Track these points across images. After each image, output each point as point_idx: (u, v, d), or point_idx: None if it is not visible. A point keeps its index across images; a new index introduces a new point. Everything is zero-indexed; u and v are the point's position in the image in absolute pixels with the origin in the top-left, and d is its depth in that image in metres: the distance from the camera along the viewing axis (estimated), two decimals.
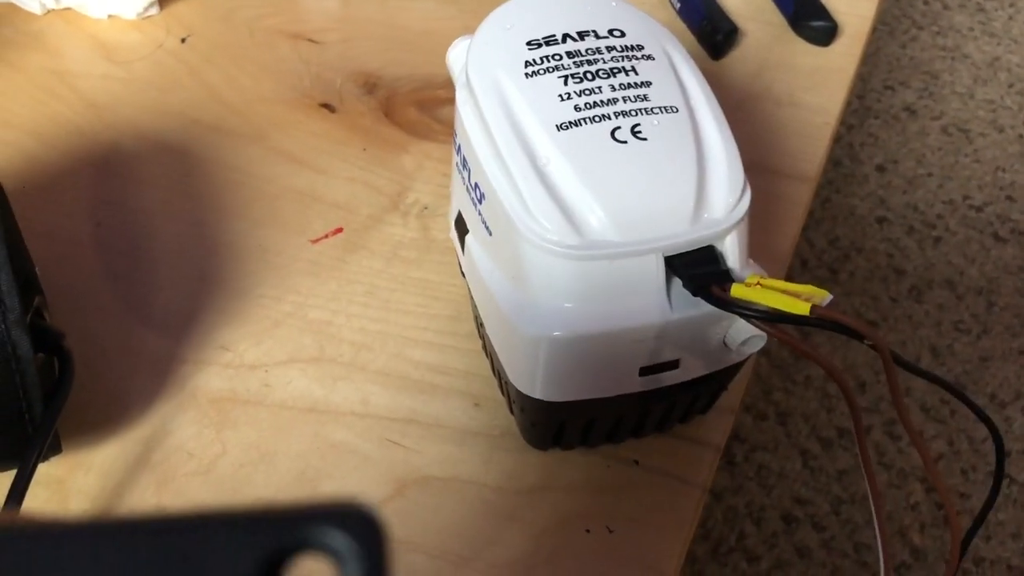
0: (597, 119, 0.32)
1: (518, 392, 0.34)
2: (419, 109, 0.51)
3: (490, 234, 0.34)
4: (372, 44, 0.54)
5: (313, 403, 0.39)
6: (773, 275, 0.45)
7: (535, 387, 0.33)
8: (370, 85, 0.52)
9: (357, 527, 0.10)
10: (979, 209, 1.20)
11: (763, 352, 0.97)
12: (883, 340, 0.31)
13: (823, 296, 0.30)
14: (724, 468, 0.92)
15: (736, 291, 0.30)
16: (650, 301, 0.32)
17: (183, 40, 0.54)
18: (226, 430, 0.38)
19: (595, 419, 0.36)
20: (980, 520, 0.41)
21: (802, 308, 0.29)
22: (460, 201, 0.37)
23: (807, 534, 0.84)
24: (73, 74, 0.52)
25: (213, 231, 0.46)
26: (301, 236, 0.46)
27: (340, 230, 0.46)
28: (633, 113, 0.32)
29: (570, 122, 0.32)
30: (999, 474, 0.40)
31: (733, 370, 0.36)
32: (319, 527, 0.10)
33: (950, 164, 1.26)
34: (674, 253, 0.32)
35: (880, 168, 1.25)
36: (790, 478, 0.90)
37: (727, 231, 0.32)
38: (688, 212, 0.31)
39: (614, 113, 0.32)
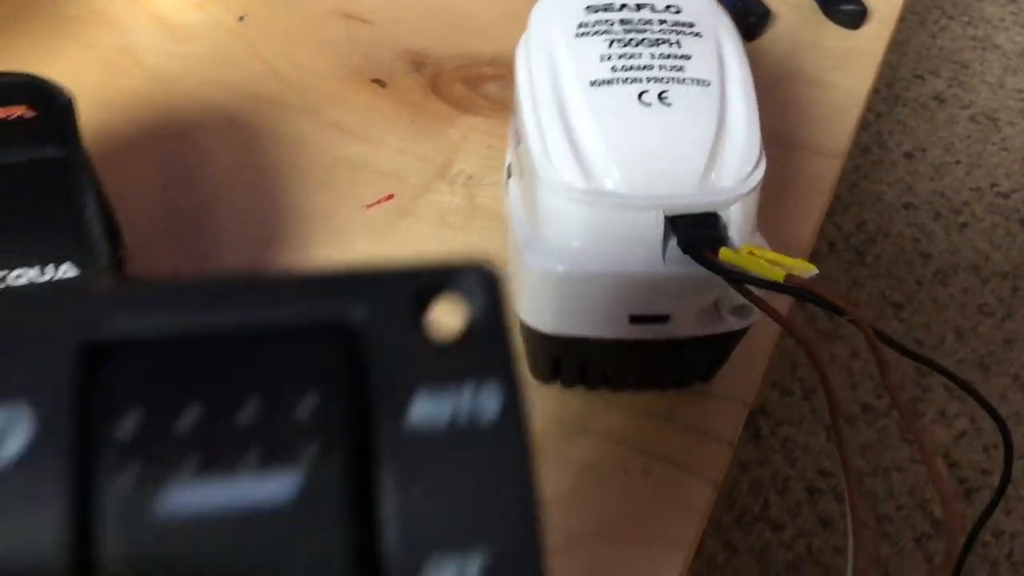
0: (629, 81, 0.35)
1: (522, 323, 0.37)
2: (465, 85, 0.54)
3: (520, 176, 0.37)
4: (420, 24, 0.57)
5: None
6: (799, 249, 0.48)
7: (536, 319, 0.36)
8: (418, 63, 0.55)
9: (484, 275, 0.14)
10: (1006, 196, 1.21)
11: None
12: (861, 315, 0.33)
13: (808, 269, 0.32)
14: (750, 441, 0.95)
15: (724, 255, 0.33)
16: (646, 253, 0.34)
17: (241, 19, 0.57)
18: None
19: (589, 359, 0.38)
20: (984, 517, 0.43)
21: (777, 275, 0.32)
22: (510, 148, 0.41)
23: (829, 504, 0.87)
24: (138, 50, 0.55)
25: (273, 197, 0.49)
26: (356, 202, 0.49)
27: (391, 197, 0.49)
28: (665, 80, 0.35)
29: (603, 80, 0.35)
30: (1008, 458, 0.41)
31: (729, 340, 0.39)
32: (455, 273, 0.13)
33: (978, 152, 1.27)
34: (676, 213, 0.34)
35: (908, 155, 1.26)
36: (814, 451, 0.92)
37: (732, 201, 0.34)
38: (696, 177, 0.34)
39: (647, 78, 0.35)
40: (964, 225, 1.17)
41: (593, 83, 0.35)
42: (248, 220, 0.47)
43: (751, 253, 0.33)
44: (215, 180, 0.49)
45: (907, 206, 1.19)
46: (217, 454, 0.12)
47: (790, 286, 0.32)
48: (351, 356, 0.13)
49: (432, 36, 0.57)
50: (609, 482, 0.39)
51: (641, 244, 0.34)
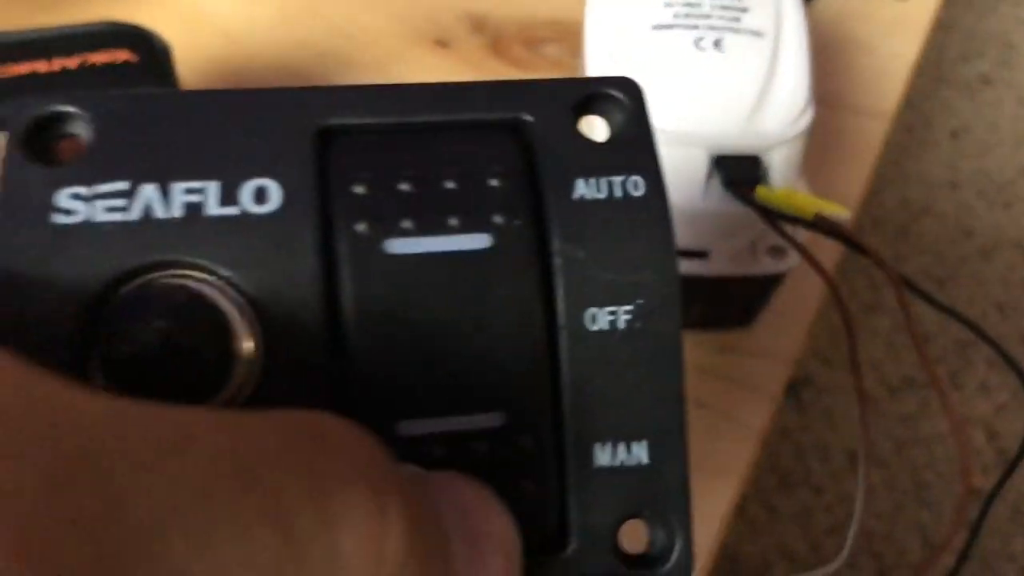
0: (688, 27, 0.37)
1: None
2: (524, 46, 0.56)
3: None
4: None
5: None
6: (847, 207, 0.49)
7: None
8: (479, 24, 0.57)
9: (632, 85, 0.17)
10: None
11: (841, 319, 0.99)
12: (893, 267, 0.34)
13: (840, 211, 0.34)
14: (792, 409, 0.96)
15: (760, 192, 0.35)
16: (689, 188, 0.37)
17: None
18: None
19: None
20: (1004, 478, 0.44)
21: (808, 213, 0.34)
22: None
23: (871, 471, 0.87)
24: (210, 9, 0.58)
25: None
26: None
27: None
28: (721, 29, 0.37)
29: (664, 25, 0.37)
30: None
31: (766, 285, 0.40)
32: (608, 83, 0.17)
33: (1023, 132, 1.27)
34: (721, 154, 0.36)
35: (953, 135, 1.27)
36: (855, 420, 0.94)
37: (776, 145, 0.36)
38: (742, 120, 0.36)
39: (705, 26, 0.37)
40: (1008, 204, 1.18)
41: (655, 27, 0.36)
42: None
43: (788, 194, 0.35)
44: None
45: (951, 184, 1.19)
46: (427, 214, 0.14)
47: (820, 224, 0.34)
48: (525, 148, 0.16)
49: None
50: None
51: (685, 180, 0.36)
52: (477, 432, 0.14)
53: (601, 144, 0.16)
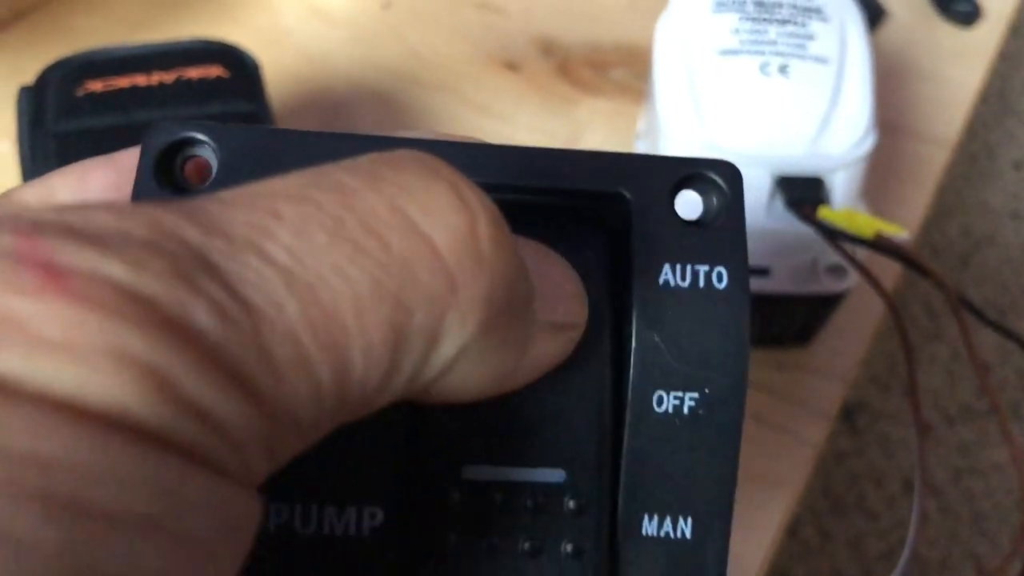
0: (754, 53, 0.38)
1: None
2: (591, 69, 0.58)
3: (646, 135, 0.41)
4: (549, 12, 0.61)
5: None
6: (908, 230, 0.50)
7: None
8: (547, 48, 0.59)
9: (731, 169, 0.17)
10: None
11: (892, 331, 0.99)
12: (947, 280, 0.36)
13: (899, 232, 0.35)
14: (847, 433, 0.96)
15: (822, 212, 0.36)
16: (752, 207, 0.38)
17: (386, 6, 0.62)
18: None
19: None
20: None
21: (867, 233, 0.35)
22: (641, 116, 0.44)
23: (925, 498, 0.87)
24: (291, 31, 0.60)
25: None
26: None
27: None
28: (786, 55, 0.38)
29: (731, 50, 0.38)
30: None
31: (826, 304, 0.41)
32: (708, 165, 0.17)
33: None
34: (784, 175, 0.37)
35: (1017, 166, 1.26)
36: (911, 447, 0.93)
37: (838, 168, 0.37)
38: (805, 143, 0.37)
39: (771, 52, 0.38)
40: None
41: (722, 52, 0.38)
42: None
43: (849, 214, 0.36)
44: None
45: (1014, 216, 1.19)
46: None
47: (880, 244, 0.35)
48: (623, 219, 0.16)
49: (560, 24, 0.60)
50: None
51: (749, 199, 0.37)
52: (538, 484, 0.15)
53: (693, 227, 0.16)
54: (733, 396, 0.16)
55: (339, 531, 0.15)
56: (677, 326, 0.16)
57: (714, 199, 0.17)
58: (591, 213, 0.17)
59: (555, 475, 0.15)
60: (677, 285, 0.16)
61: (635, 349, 0.16)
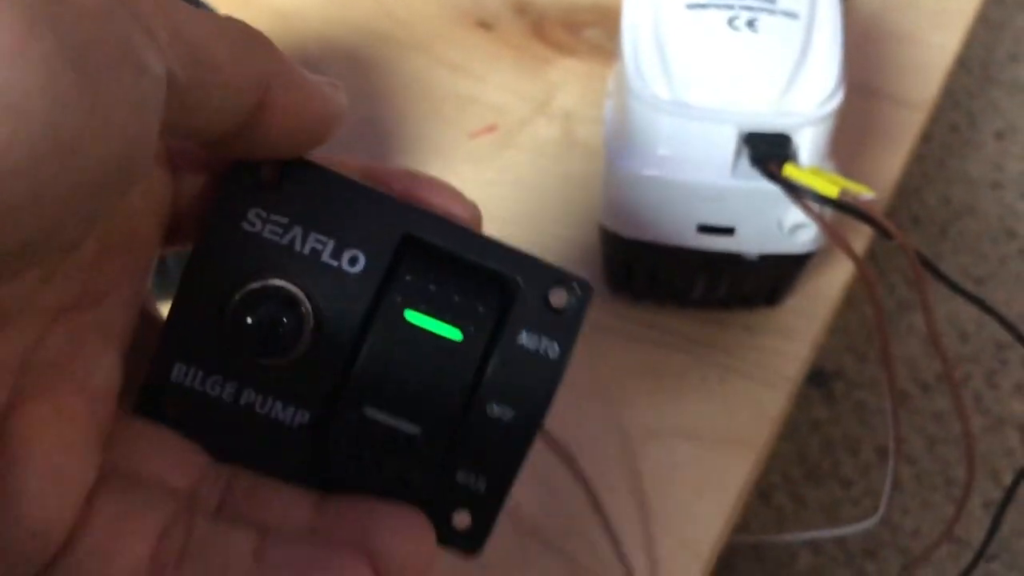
0: (723, 7, 0.38)
1: (601, 228, 0.41)
2: (565, 30, 0.57)
3: (616, 93, 0.41)
4: None
5: None
6: (883, 193, 0.50)
7: (617, 223, 0.40)
8: (521, 8, 0.58)
9: (587, 288, 0.24)
10: None
11: (868, 299, 0.99)
12: (908, 241, 0.35)
13: (865, 192, 0.35)
14: (822, 401, 0.97)
15: (787, 170, 0.36)
16: (718, 164, 0.38)
17: None
18: None
19: (659, 267, 0.42)
20: None
21: (832, 191, 0.35)
22: (611, 74, 0.45)
23: (900, 467, 0.88)
24: None
25: (386, 124, 0.53)
26: (461, 131, 0.52)
27: (494, 128, 0.52)
28: (756, 9, 0.38)
29: (699, 4, 0.38)
30: None
31: (793, 264, 0.41)
32: (574, 279, 0.24)
33: None
34: (751, 131, 0.37)
35: (999, 135, 1.26)
36: (887, 415, 0.94)
37: (805, 124, 0.37)
38: (773, 99, 0.37)
39: (740, 6, 0.38)
40: None
41: (690, 6, 0.38)
42: (361, 145, 0.51)
43: (814, 172, 0.36)
44: None
45: (994, 185, 1.19)
46: (436, 308, 0.23)
47: (844, 202, 0.35)
48: (510, 294, 0.24)
49: None
50: (688, 387, 0.42)
51: (715, 156, 0.37)
52: (402, 431, 0.23)
53: (552, 311, 0.24)
54: (535, 417, 0.24)
55: (279, 417, 0.23)
56: (516, 371, 0.23)
57: (572, 299, 0.24)
58: (497, 280, 0.24)
59: (413, 428, 0.23)
60: (525, 346, 0.23)
61: (486, 379, 0.23)
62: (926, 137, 0.54)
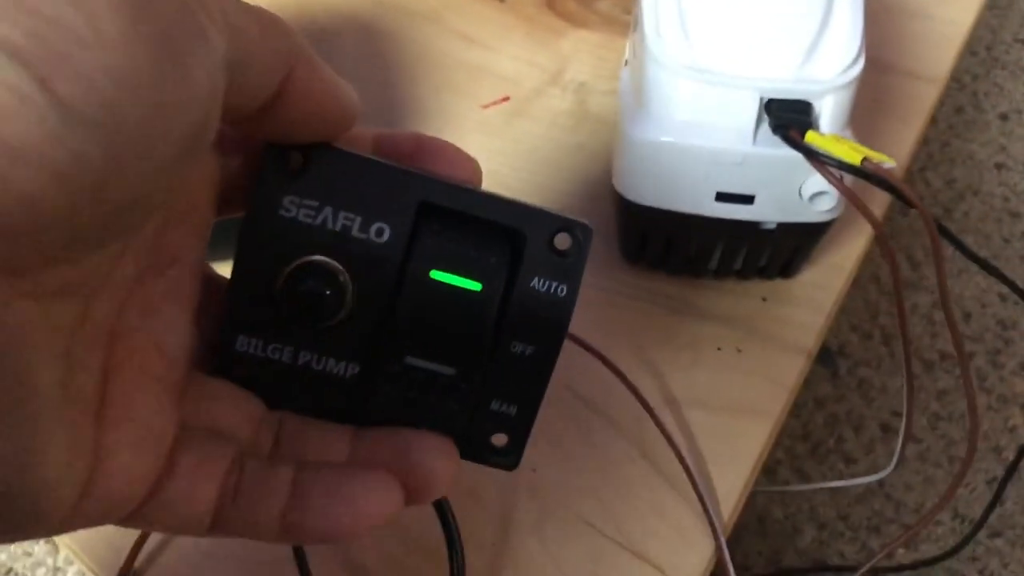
0: None
1: (617, 196, 0.41)
2: (577, 1, 0.57)
3: (633, 58, 0.41)
4: None
5: None
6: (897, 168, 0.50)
7: (632, 190, 0.40)
8: None
9: (588, 230, 0.26)
10: None
11: (873, 278, 0.99)
12: (927, 211, 0.35)
13: (887, 161, 0.35)
14: (827, 379, 0.97)
15: (809, 137, 0.36)
16: (738, 131, 0.37)
17: None
18: None
19: (675, 237, 0.41)
20: None
21: (855, 158, 0.34)
22: (628, 41, 0.44)
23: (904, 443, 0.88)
24: None
25: (398, 93, 0.52)
26: (473, 101, 0.52)
27: (507, 99, 0.52)
28: None
29: None
30: None
31: (810, 234, 0.41)
32: (576, 222, 0.26)
33: None
34: (772, 97, 0.37)
35: (1003, 117, 1.25)
36: (890, 393, 0.94)
37: (826, 92, 0.37)
38: (794, 66, 0.37)
39: None
40: None
41: None
42: (374, 113, 0.51)
43: (837, 139, 0.36)
44: (346, 74, 0.53)
45: (999, 166, 1.18)
46: (457, 264, 0.26)
47: (866, 170, 0.34)
48: (520, 243, 0.26)
49: None
50: (704, 357, 0.42)
51: (735, 122, 0.37)
52: (440, 374, 0.26)
53: (558, 254, 0.26)
54: (553, 347, 0.27)
55: (334, 371, 0.26)
56: (533, 309, 0.26)
57: (575, 242, 0.26)
58: (507, 231, 0.26)
59: (450, 371, 0.26)
60: (537, 287, 0.26)
61: (507, 315, 0.26)
62: (931, 119, 0.54)
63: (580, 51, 0.54)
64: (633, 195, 0.40)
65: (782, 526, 0.87)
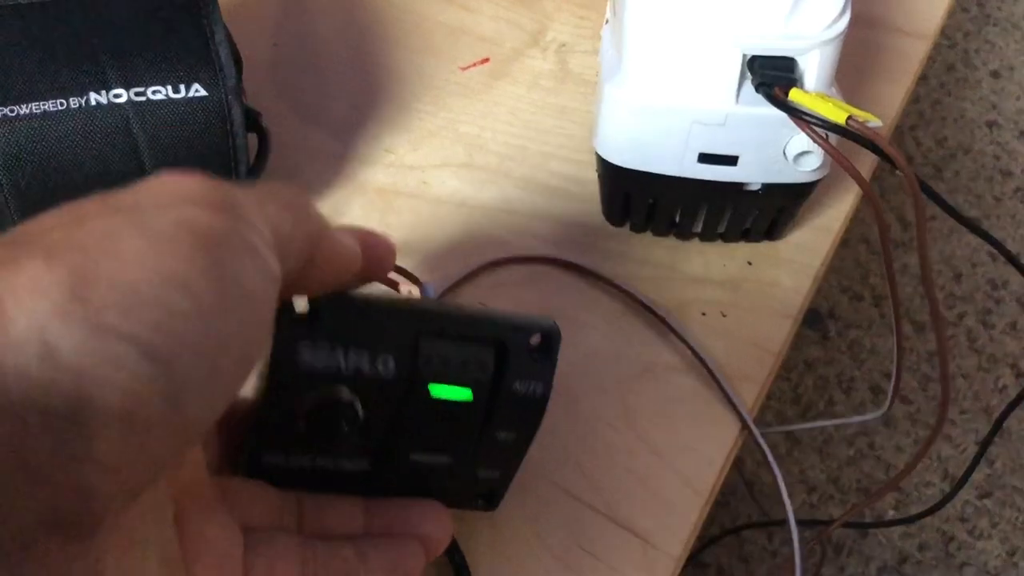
0: None
1: (599, 159, 0.40)
2: None
3: (613, 16, 0.40)
4: None
5: (463, 199, 0.45)
6: (885, 123, 0.49)
7: (613, 152, 0.39)
8: None
9: (558, 332, 0.31)
10: None
11: (863, 240, 0.99)
12: (911, 171, 0.34)
13: (872, 119, 0.34)
14: (817, 341, 0.96)
15: (793, 95, 0.34)
16: (722, 89, 0.36)
17: None
18: (390, 215, 0.44)
19: (658, 199, 0.41)
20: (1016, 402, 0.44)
21: (840, 117, 0.33)
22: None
23: (894, 406, 0.88)
24: None
25: (376, 56, 0.51)
26: (452, 64, 0.51)
27: (487, 60, 0.51)
28: None
29: None
30: None
31: (796, 195, 0.40)
32: (550, 328, 0.31)
33: None
34: (756, 54, 0.36)
35: (995, 74, 1.24)
36: (881, 355, 0.94)
37: (811, 48, 0.36)
38: (779, 21, 0.35)
39: None
40: None
41: None
42: (351, 76, 0.50)
43: (821, 97, 0.35)
44: (322, 38, 0.52)
45: (990, 124, 1.17)
46: (451, 376, 0.29)
47: (851, 129, 0.33)
48: (503, 354, 0.30)
49: None
50: (689, 322, 0.41)
51: (718, 81, 0.36)
52: (439, 463, 0.31)
53: (534, 354, 0.30)
54: (524, 441, 0.32)
55: (345, 468, 0.31)
56: (514, 410, 0.31)
57: (547, 342, 0.31)
58: (491, 343, 0.30)
59: (446, 459, 0.31)
60: (519, 390, 0.30)
61: (498, 402, 0.31)
62: (922, 77, 0.52)
63: (561, 11, 0.53)
64: (615, 157, 0.39)
65: (772, 489, 0.87)
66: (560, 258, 0.43)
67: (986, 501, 0.88)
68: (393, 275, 0.39)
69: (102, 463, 0.19)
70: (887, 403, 0.42)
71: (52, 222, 0.22)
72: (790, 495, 0.40)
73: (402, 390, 0.29)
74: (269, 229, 0.23)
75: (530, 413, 0.31)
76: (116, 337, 0.19)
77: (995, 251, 0.94)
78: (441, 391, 0.29)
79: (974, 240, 1.03)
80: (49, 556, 0.20)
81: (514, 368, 0.30)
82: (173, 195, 0.22)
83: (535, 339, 0.30)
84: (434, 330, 0.29)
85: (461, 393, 0.30)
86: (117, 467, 0.20)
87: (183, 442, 0.22)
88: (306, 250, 0.25)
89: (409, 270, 0.39)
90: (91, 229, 0.21)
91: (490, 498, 0.34)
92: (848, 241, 0.45)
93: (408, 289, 0.37)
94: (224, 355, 0.21)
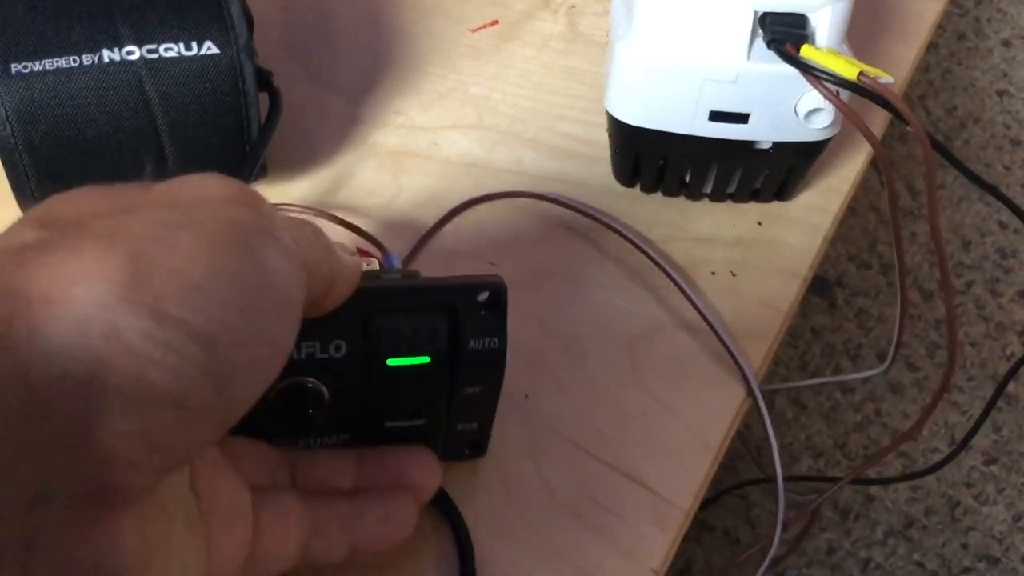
0: None
1: (610, 118, 0.40)
2: None
3: None
4: None
5: (474, 160, 0.45)
6: (896, 87, 0.49)
7: (624, 111, 0.39)
8: None
9: (503, 288, 0.31)
10: None
11: (872, 208, 0.99)
12: (920, 125, 0.34)
13: (884, 76, 0.34)
14: (824, 309, 0.96)
15: (805, 51, 0.34)
16: (732, 47, 0.36)
17: None
18: (401, 176, 0.44)
19: (668, 158, 0.41)
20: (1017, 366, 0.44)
21: (851, 73, 0.33)
22: None
23: (901, 373, 0.88)
24: None
25: (387, 17, 0.51)
26: (462, 26, 0.51)
27: (496, 22, 0.51)
28: None
29: None
30: None
31: (806, 153, 0.40)
32: (497, 285, 0.31)
33: None
34: (767, 10, 0.36)
35: (1006, 43, 1.24)
36: (888, 323, 0.94)
37: (823, 4, 0.36)
38: None
39: None
40: None
41: None
42: (362, 38, 0.50)
43: (832, 54, 0.35)
44: (331, 5, 0.52)
45: (1001, 93, 1.17)
46: (406, 347, 0.30)
47: (863, 85, 0.33)
48: (454, 317, 0.31)
49: None
50: (700, 281, 0.41)
51: (729, 38, 0.36)
52: (415, 425, 0.33)
53: (484, 310, 0.31)
54: (492, 395, 0.33)
55: (328, 442, 0.33)
56: (474, 367, 0.32)
57: (492, 296, 0.31)
58: (440, 308, 0.31)
59: (420, 421, 0.33)
60: (476, 347, 0.31)
61: (458, 362, 0.31)
62: (932, 45, 0.52)
63: None
64: (626, 116, 0.39)
65: (779, 455, 0.87)
66: (549, 196, 0.43)
67: (992, 467, 0.88)
68: (358, 242, 0.40)
69: (154, 441, 0.21)
70: (888, 359, 0.43)
71: (89, 207, 0.23)
72: (796, 461, 0.40)
73: (363, 368, 0.30)
74: (297, 247, 0.25)
75: (491, 366, 0.32)
76: (174, 323, 0.21)
77: (1004, 219, 0.93)
78: (399, 361, 0.30)
79: (983, 209, 1.03)
80: (100, 523, 0.21)
81: (467, 328, 0.31)
82: (214, 195, 0.24)
83: (483, 296, 0.31)
84: (382, 307, 0.30)
85: (419, 360, 0.31)
86: (168, 446, 0.21)
87: (223, 425, 0.23)
88: (329, 281, 0.27)
89: (375, 236, 0.39)
90: (143, 219, 0.22)
91: (476, 446, 0.35)
92: (856, 210, 0.45)
93: (367, 262, 0.38)
94: (263, 345, 0.23)
